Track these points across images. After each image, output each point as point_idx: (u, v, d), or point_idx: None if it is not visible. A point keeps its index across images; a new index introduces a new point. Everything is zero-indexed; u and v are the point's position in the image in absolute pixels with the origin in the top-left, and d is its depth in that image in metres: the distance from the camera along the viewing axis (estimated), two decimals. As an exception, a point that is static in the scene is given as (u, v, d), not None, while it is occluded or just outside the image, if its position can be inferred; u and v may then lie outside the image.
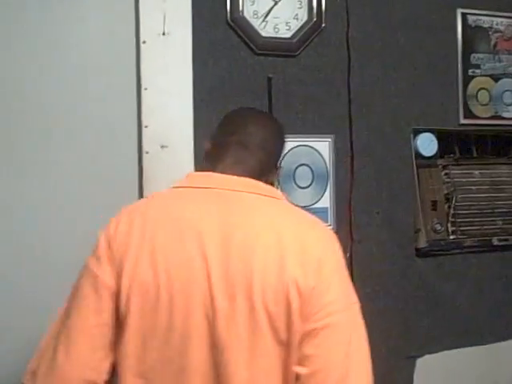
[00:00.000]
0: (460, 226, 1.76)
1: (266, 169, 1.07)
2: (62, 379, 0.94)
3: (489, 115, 1.81)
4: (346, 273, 0.96)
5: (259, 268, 0.89)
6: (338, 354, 0.89)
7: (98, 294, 0.95)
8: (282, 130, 1.15)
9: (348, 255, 1.63)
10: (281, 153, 1.14)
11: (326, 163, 1.61)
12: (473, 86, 1.78)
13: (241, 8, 1.51)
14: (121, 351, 0.95)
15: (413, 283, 1.70)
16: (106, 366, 0.97)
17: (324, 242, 0.95)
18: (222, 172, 1.02)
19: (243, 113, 1.16)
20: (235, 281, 0.89)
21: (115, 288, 0.94)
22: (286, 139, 1.16)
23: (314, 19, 1.58)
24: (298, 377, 0.89)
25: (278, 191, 1.05)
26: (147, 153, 1.43)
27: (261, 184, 1.01)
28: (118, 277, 0.94)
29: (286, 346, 0.89)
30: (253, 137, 1.07)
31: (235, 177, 1.00)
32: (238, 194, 0.97)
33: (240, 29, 1.51)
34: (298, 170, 1.58)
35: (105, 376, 0.98)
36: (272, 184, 1.07)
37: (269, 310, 0.88)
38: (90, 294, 0.96)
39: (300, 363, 0.89)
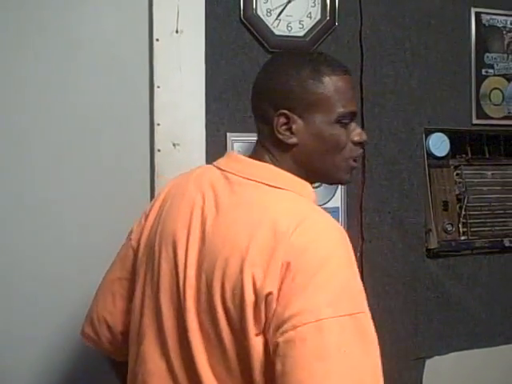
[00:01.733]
0: (471, 227, 1.75)
1: (266, 134, 0.98)
2: (91, 317, 1.11)
3: (502, 115, 1.80)
4: (341, 278, 0.81)
5: (222, 260, 0.84)
6: (303, 374, 0.75)
7: (125, 253, 1.08)
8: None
9: (358, 255, 1.63)
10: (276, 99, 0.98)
11: (337, 162, 1.60)
12: (486, 86, 1.77)
13: (254, 6, 1.50)
14: (133, 303, 1.02)
15: (423, 284, 1.69)
16: (122, 316, 1.07)
17: (311, 242, 0.81)
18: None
19: None
20: (203, 268, 0.88)
21: (136, 247, 1.05)
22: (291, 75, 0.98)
23: (327, 18, 1.57)
24: None
25: (287, 177, 0.94)
26: (159, 151, 1.43)
27: (266, 170, 0.95)
28: (140, 238, 1.05)
29: (241, 347, 0.83)
30: (254, 111, 1.04)
31: (250, 160, 0.98)
32: (241, 180, 0.94)
33: (253, 27, 1.50)
34: (309, 169, 1.58)
35: (120, 327, 1.08)
36: (280, 142, 0.96)
37: (225, 304, 0.83)
38: (121, 252, 1.10)
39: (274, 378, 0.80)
